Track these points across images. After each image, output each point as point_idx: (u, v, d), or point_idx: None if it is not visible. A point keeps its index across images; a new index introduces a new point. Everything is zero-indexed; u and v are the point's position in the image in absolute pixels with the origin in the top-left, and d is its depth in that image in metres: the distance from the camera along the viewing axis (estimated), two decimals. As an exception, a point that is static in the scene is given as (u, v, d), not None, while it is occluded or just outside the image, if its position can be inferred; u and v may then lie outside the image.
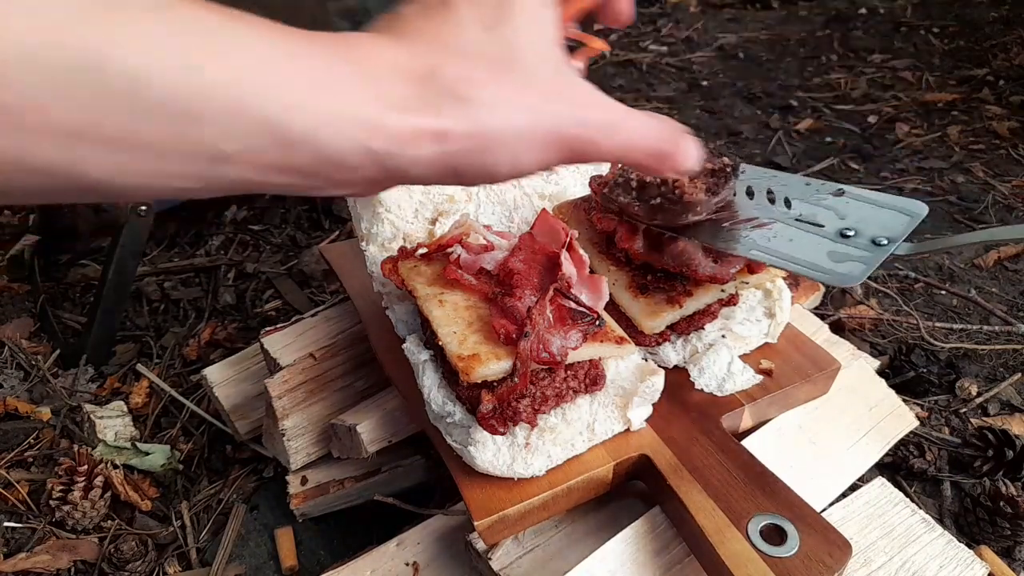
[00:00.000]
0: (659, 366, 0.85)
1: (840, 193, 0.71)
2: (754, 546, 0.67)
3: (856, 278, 0.63)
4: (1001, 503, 1.01)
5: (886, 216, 0.67)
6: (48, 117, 0.35)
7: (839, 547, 0.66)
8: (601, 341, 0.73)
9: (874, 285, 1.56)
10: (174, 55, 0.37)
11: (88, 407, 1.29)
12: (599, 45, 0.66)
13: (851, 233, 0.67)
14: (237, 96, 0.38)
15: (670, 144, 0.55)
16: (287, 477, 1.03)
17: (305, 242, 1.81)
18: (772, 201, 0.75)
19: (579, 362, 0.74)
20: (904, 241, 0.65)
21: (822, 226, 0.69)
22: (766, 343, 0.92)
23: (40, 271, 1.69)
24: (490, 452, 0.71)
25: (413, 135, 0.44)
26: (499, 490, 0.73)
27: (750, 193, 0.77)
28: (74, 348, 1.46)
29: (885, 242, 0.64)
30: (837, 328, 1.38)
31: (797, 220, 0.71)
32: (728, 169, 0.77)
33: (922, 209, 0.66)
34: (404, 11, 0.50)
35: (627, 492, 0.82)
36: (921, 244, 0.66)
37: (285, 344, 1.08)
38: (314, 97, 0.41)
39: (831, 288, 1.52)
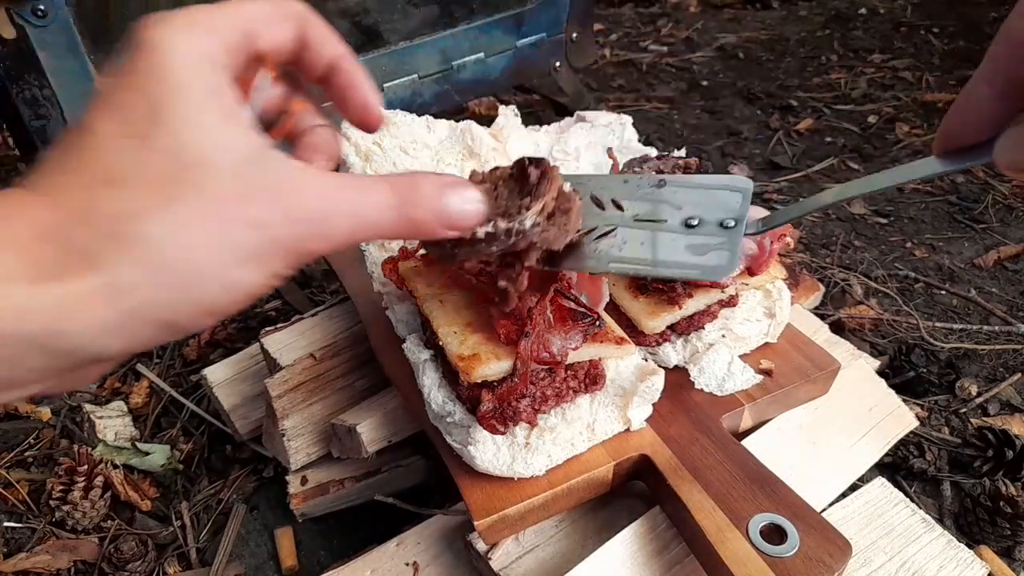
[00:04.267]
0: (659, 366, 0.85)
1: (662, 184, 0.65)
2: (754, 546, 0.67)
3: (729, 269, 0.60)
4: (1001, 503, 1.01)
5: (720, 197, 0.63)
6: None
7: (839, 547, 0.66)
8: (601, 342, 0.73)
9: (874, 285, 1.56)
10: None
11: (88, 407, 1.29)
12: (300, 106, 0.56)
13: (695, 222, 0.62)
14: None
15: (421, 208, 0.47)
16: (287, 477, 1.03)
17: (305, 242, 1.81)
18: (601, 206, 0.67)
19: (579, 362, 0.74)
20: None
21: (664, 220, 0.64)
22: (766, 343, 0.92)
23: (40, 271, 1.69)
24: (490, 452, 0.71)
25: (72, 302, 0.36)
26: (499, 490, 0.73)
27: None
28: (74, 348, 1.46)
29: (732, 223, 0.61)
30: (837, 328, 1.38)
31: (636, 220, 0.65)
32: (541, 172, 0.64)
33: (747, 184, 0.63)
34: (42, 155, 0.40)
35: (627, 492, 0.82)
36: (770, 217, 0.63)
37: (285, 344, 1.08)
38: None
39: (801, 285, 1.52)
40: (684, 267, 0.62)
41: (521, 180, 0.64)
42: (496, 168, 0.67)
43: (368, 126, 0.57)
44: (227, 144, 0.40)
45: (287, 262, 0.42)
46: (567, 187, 0.64)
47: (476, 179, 0.68)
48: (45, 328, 0.35)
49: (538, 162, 0.64)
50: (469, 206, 0.52)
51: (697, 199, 0.64)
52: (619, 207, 0.67)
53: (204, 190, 0.39)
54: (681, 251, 0.62)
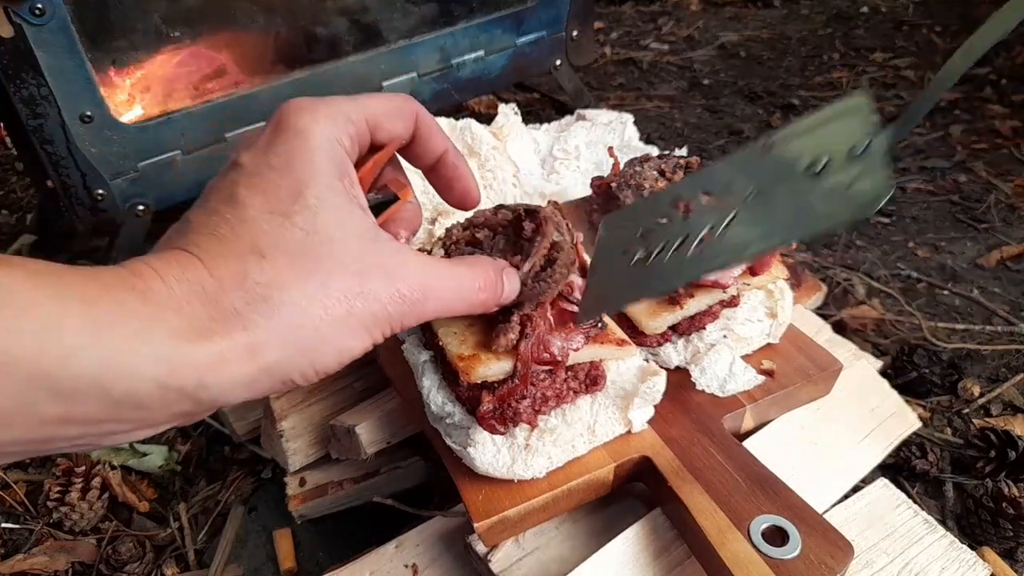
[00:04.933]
0: (661, 367, 0.84)
1: (770, 147, 0.57)
2: (756, 548, 0.66)
3: (885, 189, 0.50)
4: (1004, 504, 1.00)
5: (839, 128, 0.54)
6: None
7: (841, 548, 0.66)
8: (602, 343, 0.72)
9: (876, 285, 1.55)
10: None
11: (86, 407, 1.28)
12: (408, 195, 0.62)
13: (820, 167, 0.54)
14: None
15: (486, 292, 0.58)
16: (285, 478, 1.03)
17: (305, 241, 1.81)
18: (683, 208, 0.59)
19: (580, 363, 0.74)
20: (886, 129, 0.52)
21: (789, 176, 0.55)
22: (768, 343, 0.91)
23: (39, 271, 1.69)
24: (490, 453, 0.71)
25: (220, 358, 0.41)
26: (499, 491, 0.72)
27: (686, 208, 0.60)
28: (73, 348, 1.45)
29: (866, 144, 0.52)
30: (839, 328, 1.37)
31: (760, 194, 0.56)
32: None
33: (861, 101, 0.54)
34: (191, 217, 0.46)
35: (628, 493, 0.82)
36: (907, 116, 0.54)
37: (284, 344, 1.08)
38: (91, 338, 0.36)
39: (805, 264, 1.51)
40: (830, 217, 0.53)
41: (516, 232, 0.65)
42: (500, 207, 0.70)
43: (465, 208, 0.68)
44: (350, 224, 0.47)
45: (384, 332, 0.49)
46: (557, 237, 0.65)
47: (478, 221, 0.70)
48: (196, 381, 0.40)
49: (533, 215, 0.65)
50: (514, 286, 0.62)
51: (816, 143, 0.55)
52: (714, 195, 0.58)
53: (332, 265, 0.45)
54: (820, 201, 0.53)
